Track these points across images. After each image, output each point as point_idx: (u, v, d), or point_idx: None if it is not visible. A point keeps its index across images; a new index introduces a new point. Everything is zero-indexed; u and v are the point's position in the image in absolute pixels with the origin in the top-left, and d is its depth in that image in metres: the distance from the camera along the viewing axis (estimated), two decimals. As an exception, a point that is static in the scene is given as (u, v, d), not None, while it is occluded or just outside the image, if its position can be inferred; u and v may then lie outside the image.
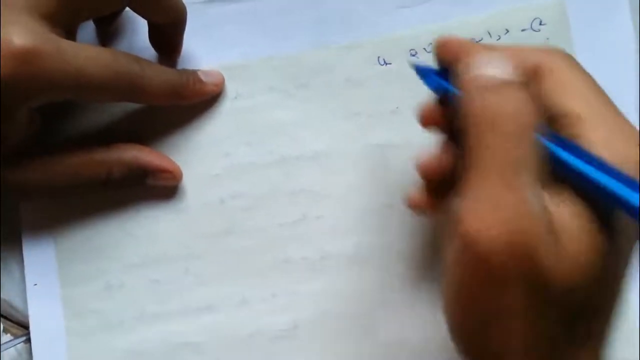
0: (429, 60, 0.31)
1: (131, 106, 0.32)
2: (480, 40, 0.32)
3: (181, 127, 0.32)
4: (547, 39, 0.31)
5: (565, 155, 0.20)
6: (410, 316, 0.31)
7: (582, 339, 0.20)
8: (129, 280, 0.32)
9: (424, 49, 0.32)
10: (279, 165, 0.32)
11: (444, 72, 0.24)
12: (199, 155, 0.32)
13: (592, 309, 0.20)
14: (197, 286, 0.32)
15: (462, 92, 0.22)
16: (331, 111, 0.32)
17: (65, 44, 0.26)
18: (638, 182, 0.19)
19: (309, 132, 0.32)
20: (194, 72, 0.31)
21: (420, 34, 0.32)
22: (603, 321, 0.21)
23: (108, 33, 0.32)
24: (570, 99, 0.22)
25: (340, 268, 0.32)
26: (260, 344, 0.31)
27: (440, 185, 0.25)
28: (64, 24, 0.27)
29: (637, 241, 0.21)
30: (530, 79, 0.22)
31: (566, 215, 0.20)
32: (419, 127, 0.31)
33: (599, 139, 0.21)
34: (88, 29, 0.32)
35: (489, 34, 0.32)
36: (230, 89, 0.32)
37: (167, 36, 0.31)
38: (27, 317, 0.32)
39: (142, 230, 0.32)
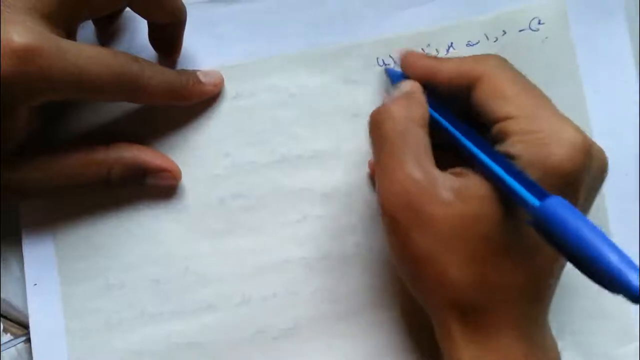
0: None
1: (131, 106, 0.32)
2: (476, 44, 0.32)
3: (181, 127, 0.32)
4: (546, 38, 0.32)
5: (468, 144, 0.26)
6: (411, 315, 0.31)
7: (513, 286, 0.25)
8: (129, 279, 0.31)
9: (423, 49, 0.32)
10: (280, 165, 0.32)
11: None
12: (199, 155, 0.32)
13: (506, 253, 0.25)
14: (198, 286, 0.32)
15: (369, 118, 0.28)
16: (331, 111, 0.32)
17: (66, 43, 0.26)
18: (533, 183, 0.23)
19: (309, 132, 0.32)
20: (193, 73, 0.31)
21: (418, 35, 0.32)
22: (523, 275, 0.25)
23: (108, 33, 0.32)
24: (500, 102, 0.26)
25: (341, 268, 0.32)
26: (260, 344, 0.31)
27: None
28: (64, 24, 0.27)
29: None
30: (470, 86, 0.27)
31: (457, 181, 0.25)
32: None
33: (519, 133, 0.25)
34: (88, 29, 0.32)
35: (486, 36, 0.32)
36: (230, 88, 0.32)
37: (167, 36, 0.31)
38: (27, 317, 0.32)
39: (143, 230, 0.32)
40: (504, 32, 0.32)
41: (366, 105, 0.32)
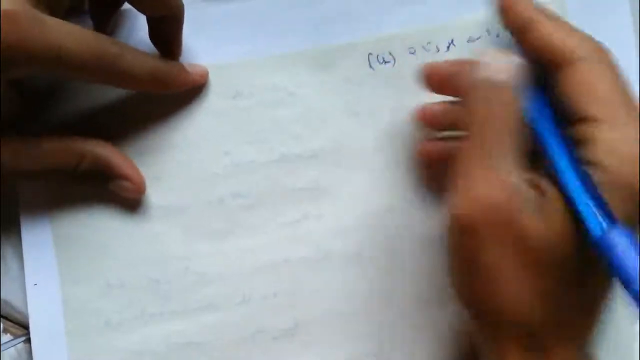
0: (431, 58, 0.31)
1: (130, 103, 0.32)
2: (478, 39, 0.32)
3: (181, 126, 0.32)
4: (546, 36, 0.31)
5: (555, 156, 0.24)
6: (411, 315, 0.31)
7: (576, 310, 0.23)
8: (129, 279, 0.31)
9: (423, 47, 0.32)
10: (279, 164, 0.32)
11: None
12: (199, 154, 0.32)
13: (578, 280, 0.23)
14: (198, 285, 0.31)
15: (463, 94, 0.25)
16: (331, 110, 0.32)
17: (47, 18, 0.26)
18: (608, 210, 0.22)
19: (309, 131, 0.32)
20: (178, 62, 0.31)
21: (418, 33, 0.32)
22: (590, 306, 0.24)
23: (105, 29, 0.32)
24: (589, 100, 0.23)
25: (341, 267, 0.32)
26: (261, 343, 0.31)
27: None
28: (49, 5, 0.27)
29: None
30: (558, 66, 0.24)
31: (538, 194, 0.23)
32: (418, 127, 0.31)
33: (607, 141, 0.23)
34: (87, 27, 0.32)
35: (488, 32, 0.32)
36: (230, 87, 0.32)
37: (166, 32, 0.31)
38: (27, 317, 0.32)
39: (142, 230, 0.32)
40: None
41: (366, 104, 0.32)
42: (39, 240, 0.32)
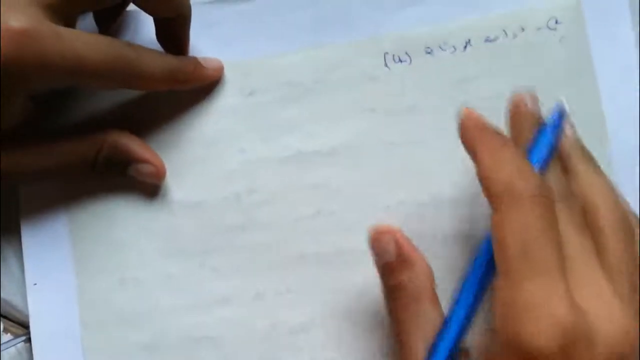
0: (447, 58, 0.32)
1: (148, 102, 0.32)
2: (495, 40, 0.32)
3: (198, 123, 0.32)
4: (563, 37, 0.32)
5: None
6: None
7: None
8: (143, 273, 0.32)
9: (439, 46, 0.32)
10: (294, 161, 0.32)
11: None
12: (214, 150, 0.32)
13: None
14: (212, 280, 0.32)
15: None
16: (347, 107, 0.32)
17: (63, 29, 0.26)
18: None
19: (324, 128, 0.32)
20: (193, 57, 0.31)
21: (435, 32, 0.32)
22: None
23: (111, 31, 0.32)
24: (498, 257, 0.22)
25: (355, 264, 0.32)
26: (275, 338, 0.31)
27: None
28: (63, 15, 0.27)
29: None
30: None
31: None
32: (435, 126, 0.32)
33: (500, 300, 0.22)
34: (90, 27, 0.32)
35: (505, 32, 0.32)
36: (245, 84, 0.32)
37: (173, 33, 0.31)
38: (27, 316, 0.32)
39: (158, 224, 0.32)
40: (522, 29, 0.32)
41: (382, 101, 0.32)
42: (53, 236, 0.32)
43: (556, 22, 0.32)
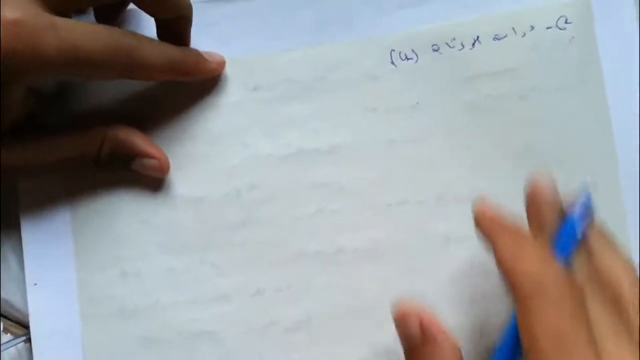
0: (454, 55, 0.31)
1: (152, 96, 0.32)
2: (504, 38, 0.31)
3: (201, 118, 0.32)
4: (573, 37, 0.31)
5: None
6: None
7: None
8: (144, 268, 0.32)
9: (447, 44, 0.31)
10: (296, 158, 0.32)
11: None
12: (218, 145, 0.32)
13: None
14: (213, 276, 0.32)
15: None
16: (349, 105, 0.32)
17: (59, 20, 0.25)
18: None
19: (327, 126, 0.32)
20: (195, 50, 0.31)
21: (443, 29, 0.31)
22: None
23: None
24: (525, 341, 0.22)
25: (355, 262, 0.32)
26: (274, 335, 0.32)
27: None
28: (59, 9, 0.26)
29: None
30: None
31: None
32: (439, 124, 0.31)
33: None
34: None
35: (514, 30, 0.31)
36: (250, 80, 0.32)
37: (174, 32, 0.30)
38: (27, 316, 0.32)
39: (159, 219, 0.32)
40: (532, 28, 0.31)
41: (384, 100, 0.31)
42: (55, 230, 0.31)
43: (566, 21, 0.31)
